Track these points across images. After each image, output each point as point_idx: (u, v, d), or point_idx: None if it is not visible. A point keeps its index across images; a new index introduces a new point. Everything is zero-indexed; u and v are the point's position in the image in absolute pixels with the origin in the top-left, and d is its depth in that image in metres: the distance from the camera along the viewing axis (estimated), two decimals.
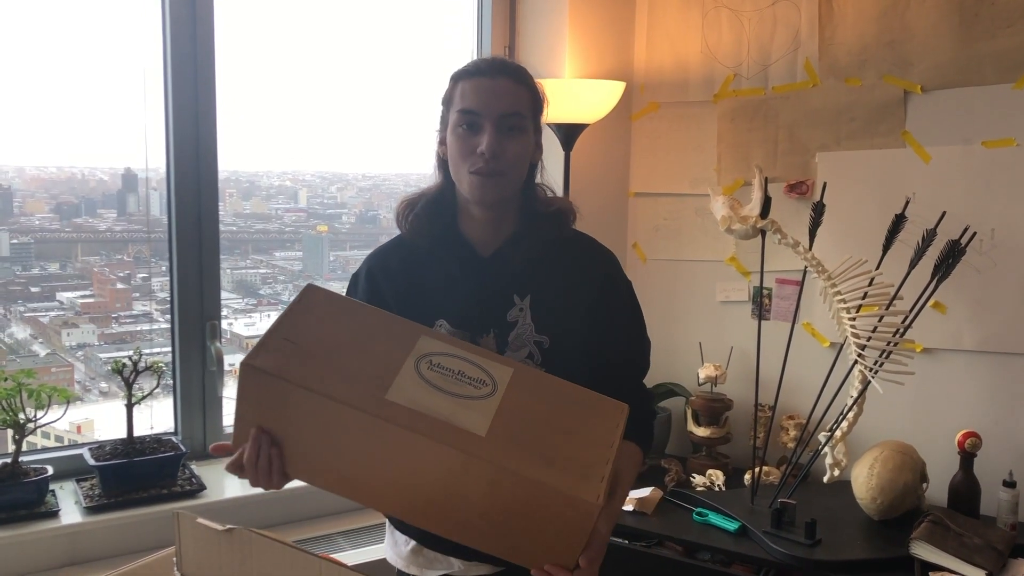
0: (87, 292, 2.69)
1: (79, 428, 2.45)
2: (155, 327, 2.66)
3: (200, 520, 1.48)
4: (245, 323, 2.82)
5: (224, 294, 2.67)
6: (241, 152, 2.56)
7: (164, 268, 2.67)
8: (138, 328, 2.67)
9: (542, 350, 1.45)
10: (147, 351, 2.23)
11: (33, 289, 2.60)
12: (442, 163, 1.49)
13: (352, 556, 2.17)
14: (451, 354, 1.32)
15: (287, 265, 3.01)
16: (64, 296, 2.64)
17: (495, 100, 1.39)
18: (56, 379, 2.54)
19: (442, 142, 1.47)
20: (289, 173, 3.06)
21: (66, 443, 2.37)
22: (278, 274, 2.97)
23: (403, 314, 1.37)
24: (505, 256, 1.48)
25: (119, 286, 2.72)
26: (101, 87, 2.36)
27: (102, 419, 2.47)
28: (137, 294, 2.70)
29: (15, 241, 2.54)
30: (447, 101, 1.46)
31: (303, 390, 1.22)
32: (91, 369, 2.63)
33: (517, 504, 1.21)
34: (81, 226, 2.67)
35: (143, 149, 2.43)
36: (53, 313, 2.62)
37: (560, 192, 2.51)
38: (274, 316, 2.81)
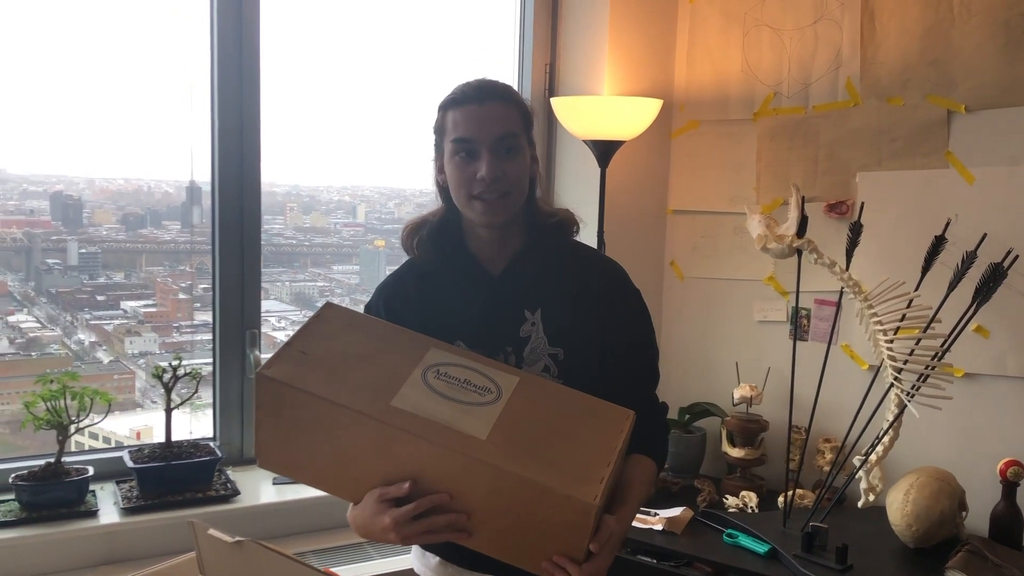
0: (150, 302, 2.76)
1: (138, 434, 2.51)
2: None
3: (211, 532, 1.52)
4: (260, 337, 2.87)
5: (282, 306, 2.73)
6: (302, 167, 2.62)
7: None
8: (197, 338, 2.73)
9: (557, 363, 1.46)
10: (205, 360, 2.28)
11: (99, 297, 2.69)
12: (442, 190, 1.52)
13: (381, 565, 2.19)
14: (458, 364, 1.36)
15: (344, 279, 3.07)
16: (128, 305, 2.72)
17: (487, 125, 1.41)
18: (118, 386, 2.63)
19: (440, 170, 1.50)
20: (348, 188, 3.12)
21: (125, 445, 2.43)
22: (335, 287, 3.02)
23: None
24: (514, 272, 1.50)
25: (180, 296, 2.79)
26: (166, 102, 2.44)
27: (162, 425, 2.51)
28: (198, 304, 2.77)
29: (83, 251, 2.64)
30: (439, 130, 1.48)
31: (312, 397, 1.28)
32: (152, 377, 2.69)
33: (518, 506, 1.23)
34: (146, 237, 2.76)
35: (206, 162, 2.51)
36: (117, 321, 2.70)
37: (595, 206, 2.52)
38: None
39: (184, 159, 2.56)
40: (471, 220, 1.48)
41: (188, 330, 2.75)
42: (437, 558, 1.52)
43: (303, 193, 3.00)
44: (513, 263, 1.50)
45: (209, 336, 2.68)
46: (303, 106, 2.52)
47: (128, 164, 2.60)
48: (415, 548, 1.59)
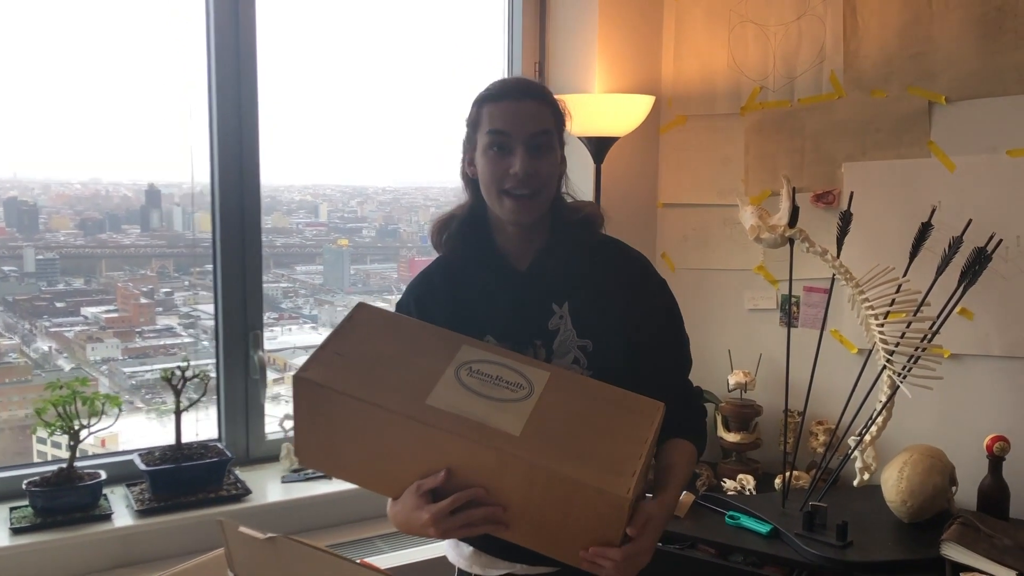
0: (111, 307, 2.73)
1: (103, 442, 2.47)
2: (178, 341, 2.72)
3: (242, 529, 1.55)
4: (267, 336, 2.87)
5: None
6: (263, 167, 2.60)
7: (187, 283, 2.72)
8: (161, 342, 2.72)
9: (587, 354, 1.49)
10: (171, 365, 2.28)
11: (58, 304, 2.65)
12: (471, 182, 1.54)
13: (391, 559, 2.23)
14: (490, 360, 1.39)
15: (308, 279, 3.04)
16: (89, 311, 2.69)
17: (524, 121, 1.44)
18: None
19: (470, 163, 1.52)
20: (310, 187, 3.10)
21: (90, 454, 2.43)
22: (299, 288, 3.00)
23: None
24: (540, 267, 1.53)
25: (143, 301, 2.77)
26: (125, 102, 2.41)
27: (127, 432, 2.51)
28: (160, 309, 2.75)
29: (40, 257, 2.59)
30: (473, 123, 1.50)
31: (350, 399, 1.31)
32: (115, 383, 2.67)
33: (552, 499, 1.27)
34: (105, 242, 2.73)
35: (168, 165, 2.49)
36: (78, 328, 2.67)
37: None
38: (295, 330, 2.87)
39: (143, 161, 2.55)
40: (499, 216, 1.50)
41: (151, 335, 2.74)
42: (471, 548, 1.55)
43: (264, 193, 2.96)
44: (539, 258, 1.53)
45: (174, 340, 2.68)
46: (263, 104, 2.47)
47: (85, 167, 2.58)
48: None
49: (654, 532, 1.31)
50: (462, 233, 1.54)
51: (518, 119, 1.44)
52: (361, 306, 1.47)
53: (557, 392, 1.36)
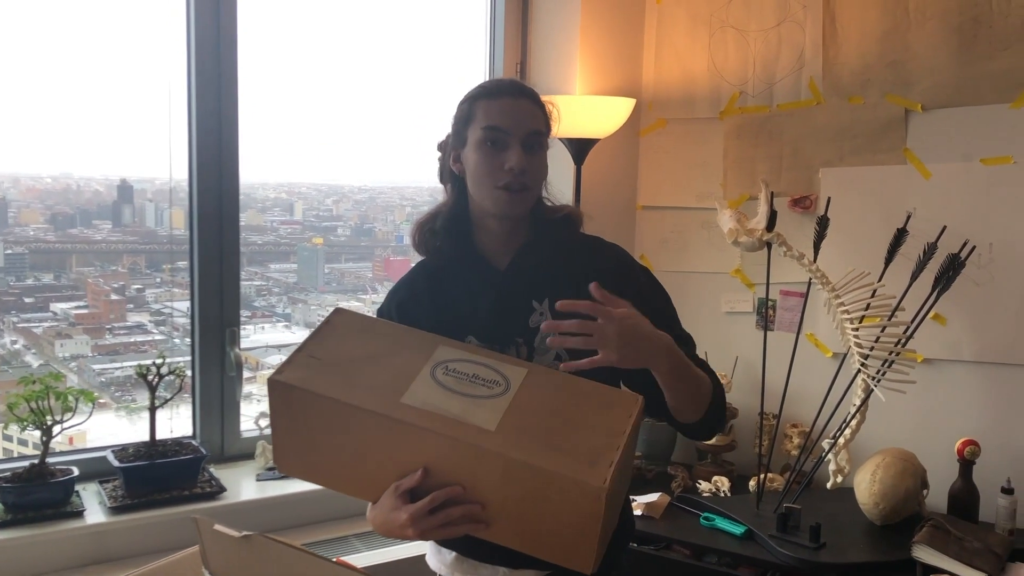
0: (81, 303, 2.70)
1: (71, 439, 2.43)
2: (149, 338, 2.70)
3: (217, 527, 1.54)
4: (240, 334, 2.86)
5: None
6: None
7: (158, 279, 2.69)
8: (132, 339, 2.70)
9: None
10: (145, 362, 2.26)
11: (27, 300, 2.61)
12: (455, 180, 1.54)
13: (367, 558, 2.22)
14: (467, 359, 1.38)
15: (282, 277, 3.03)
16: (58, 307, 2.65)
17: (521, 119, 1.45)
18: None
19: (456, 160, 1.52)
20: (285, 185, 3.08)
21: (57, 451, 2.39)
22: (273, 286, 2.99)
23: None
24: (520, 265, 1.53)
25: (113, 297, 2.74)
26: (98, 97, 2.38)
27: (95, 430, 2.46)
28: (131, 305, 2.73)
29: (9, 251, 2.56)
30: (464, 119, 1.50)
31: (325, 400, 1.30)
32: (84, 380, 2.63)
33: (530, 494, 1.26)
34: (76, 237, 2.69)
35: (140, 160, 2.46)
36: (47, 324, 2.63)
37: (568, 202, 2.58)
38: (268, 328, 2.85)
39: (115, 157, 2.53)
40: (486, 210, 1.49)
41: (121, 332, 2.71)
42: (453, 554, 1.54)
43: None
44: (519, 256, 1.53)
45: (145, 337, 2.65)
46: (240, 100, 2.44)
47: (56, 161, 2.54)
48: (430, 545, 1.61)
49: (632, 318, 1.30)
50: (447, 232, 1.53)
51: (516, 116, 1.45)
52: (339, 311, 1.46)
53: (534, 388, 1.35)
